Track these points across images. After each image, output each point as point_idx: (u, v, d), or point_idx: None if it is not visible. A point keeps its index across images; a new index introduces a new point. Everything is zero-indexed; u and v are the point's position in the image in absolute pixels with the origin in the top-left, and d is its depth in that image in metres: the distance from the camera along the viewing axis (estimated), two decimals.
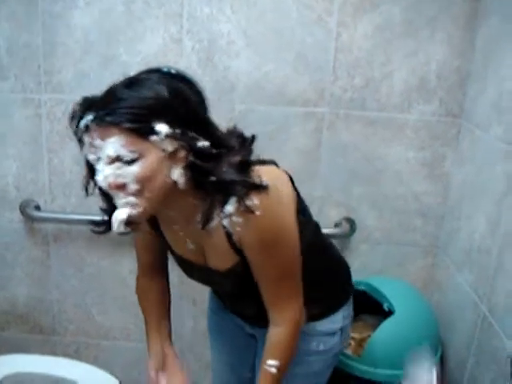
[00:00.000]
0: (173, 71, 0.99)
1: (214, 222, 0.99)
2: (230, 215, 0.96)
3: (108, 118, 0.88)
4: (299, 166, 1.79)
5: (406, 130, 1.72)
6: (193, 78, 1.03)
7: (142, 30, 1.70)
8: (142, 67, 1.58)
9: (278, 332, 1.08)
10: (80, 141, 0.95)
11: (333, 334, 1.24)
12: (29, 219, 1.83)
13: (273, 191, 0.96)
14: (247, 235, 0.99)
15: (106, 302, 1.98)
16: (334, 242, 1.48)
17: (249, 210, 0.94)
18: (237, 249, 1.03)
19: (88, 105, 0.92)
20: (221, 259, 1.08)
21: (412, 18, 1.62)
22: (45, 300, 1.98)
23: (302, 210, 1.11)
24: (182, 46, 1.71)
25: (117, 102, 0.89)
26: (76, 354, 2.00)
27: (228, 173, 0.94)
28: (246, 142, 1.04)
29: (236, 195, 0.94)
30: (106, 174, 0.91)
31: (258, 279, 1.07)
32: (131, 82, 0.93)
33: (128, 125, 0.88)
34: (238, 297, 1.23)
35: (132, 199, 0.93)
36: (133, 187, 0.91)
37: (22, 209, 1.80)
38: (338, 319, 1.25)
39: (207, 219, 1.00)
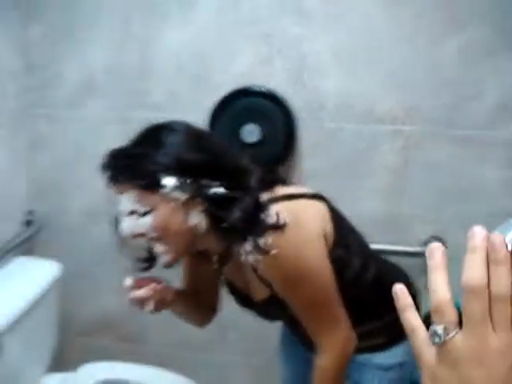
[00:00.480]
0: (180, 125, 1.08)
1: (241, 258, 1.05)
2: (249, 253, 1.02)
3: (119, 177, 1.04)
4: (387, 183, 1.91)
5: (496, 148, 1.82)
6: (206, 130, 1.20)
7: (232, 50, 1.89)
8: (233, 87, 1.85)
9: (321, 359, 1.11)
10: None
11: (389, 368, 1.23)
12: None
13: (291, 229, 1.01)
14: (267, 273, 1.07)
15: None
16: (421, 261, 1.66)
17: (263, 250, 1.00)
18: (265, 282, 1.11)
19: (106, 162, 1.07)
20: (257, 291, 1.17)
21: (500, 36, 1.72)
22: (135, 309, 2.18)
23: (341, 243, 1.13)
24: (272, 65, 1.88)
25: (127, 161, 1.03)
26: (162, 364, 2.02)
27: (240, 219, 1.00)
28: (266, 179, 1.11)
29: (250, 236, 1.01)
30: (125, 225, 1.05)
31: (292, 310, 1.12)
32: (143, 138, 1.07)
33: (136, 182, 1.01)
34: (288, 324, 1.35)
35: (160, 248, 1.06)
36: (151, 235, 1.04)
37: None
38: (398, 354, 1.23)
39: (222, 262, 1.14)
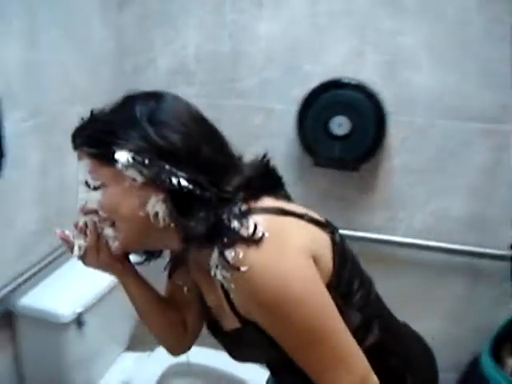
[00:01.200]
0: (168, 94, 1.03)
1: (212, 271, 0.94)
2: (217, 266, 0.91)
3: (76, 140, 0.99)
4: (476, 183, 2.06)
5: None
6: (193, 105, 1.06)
7: (325, 41, 2.08)
8: (323, 78, 2.04)
9: None
10: None
11: None
12: None
13: (267, 242, 0.89)
14: (240, 299, 0.94)
15: None
16: (507, 265, 1.88)
17: (231, 265, 0.88)
18: (237, 311, 0.99)
19: (79, 122, 1.02)
20: (228, 317, 1.04)
21: None
22: None
23: (339, 287, 0.99)
24: (364, 58, 2.06)
25: (89, 125, 0.99)
26: None
27: (201, 223, 0.92)
28: (252, 189, 1.00)
29: (216, 245, 0.91)
30: (79, 196, 1.01)
31: (281, 345, 0.95)
32: (119, 104, 1.00)
33: (88, 149, 0.97)
34: (273, 368, 1.20)
35: (110, 231, 1.01)
36: (101, 214, 0.99)
37: None
38: None
39: (174, 265, 1.09)
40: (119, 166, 0.93)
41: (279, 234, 0.92)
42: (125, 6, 2.29)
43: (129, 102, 1.00)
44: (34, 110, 1.78)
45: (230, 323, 1.04)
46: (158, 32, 2.28)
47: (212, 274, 0.93)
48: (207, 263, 0.94)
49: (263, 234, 0.89)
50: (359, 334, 0.99)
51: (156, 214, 0.95)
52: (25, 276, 1.80)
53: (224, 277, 0.91)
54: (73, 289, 1.88)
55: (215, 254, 0.91)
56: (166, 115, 0.97)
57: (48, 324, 1.71)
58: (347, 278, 1.02)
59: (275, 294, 0.89)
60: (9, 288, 1.74)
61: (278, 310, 0.90)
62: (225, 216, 0.92)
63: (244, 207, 0.96)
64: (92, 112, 1.02)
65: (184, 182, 0.92)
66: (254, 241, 0.89)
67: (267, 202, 1.00)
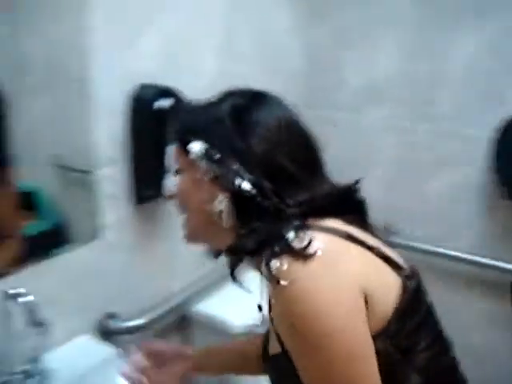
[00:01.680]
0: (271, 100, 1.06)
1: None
2: (267, 281, 0.89)
3: (169, 127, 1.08)
4: None
5: None
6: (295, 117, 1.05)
7: None
8: None
9: None
10: None
11: None
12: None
13: (320, 262, 0.85)
14: (275, 309, 0.91)
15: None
16: None
17: (273, 276, 0.86)
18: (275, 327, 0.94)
19: None
20: (272, 339, 1.04)
21: None
22: None
23: (401, 343, 0.92)
24: None
25: (183, 113, 1.09)
26: None
27: (255, 230, 0.93)
28: (317, 208, 0.96)
29: (265, 252, 0.89)
30: (165, 181, 1.11)
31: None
32: (217, 97, 1.05)
33: (173, 135, 1.04)
34: None
35: (182, 218, 1.06)
36: (176, 200, 1.05)
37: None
38: None
39: (232, 270, 1.01)
40: (192, 155, 0.98)
41: (334, 256, 0.88)
42: (317, 22, 2.36)
43: (225, 96, 1.03)
44: None
45: (274, 346, 1.00)
46: (351, 49, 2.33)
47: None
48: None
49: (316, 252, 0.85)
50: None
51: (220, 213, 0.97)
52: (202, 284, 1.96)
53: (270, 289, 0.88)
54: (247, 301, 2.05)
55: (263, 262, 0.89)
56: (255, 117, 0.98)
57: (220, 332, 1.87)
58: (411, 332, 0.93)
59: (305, 319, 0.85)
60: (186, 293, 1.90)
61: (303, 339, 0.86)
62: (280, 226, 0.90)
63: (311, 222, 0.92)
64: (191, 103, 1.09)
65: (247, 186, 0.93)
66: (303, 255, 0.85)
67: (332, 223, 0.94)
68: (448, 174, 2.21)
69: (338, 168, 2.41)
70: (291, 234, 0.89)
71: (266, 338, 1.18)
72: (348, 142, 2.42)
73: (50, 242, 1.59)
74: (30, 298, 1.23)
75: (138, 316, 1.71)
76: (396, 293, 0.93)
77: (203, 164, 0.98)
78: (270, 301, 0.97)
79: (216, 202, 0.98)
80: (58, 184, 1.66)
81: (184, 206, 1.06)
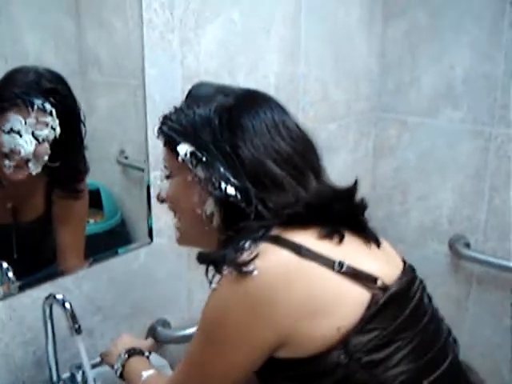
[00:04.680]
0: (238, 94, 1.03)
1: None
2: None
3: (160, 130, 1.04)
4: None
5: None
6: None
7: None
8: None
9: None
10: None
11: None
12: (456, 255, 2.24)
13: (250, 284, 0.87)
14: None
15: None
16: None
17: (209, 283, 0.93)
18: None
19: None
20: None
21: None
22: None
23: (364, 357, 0.89)
24: None
25: (172, 115, 1.04)
26: None
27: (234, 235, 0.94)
28: (300, 214, 0.95)
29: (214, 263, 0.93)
30: (157, 184, 1.09)
31: None
32: (195, 97, 1.06)
33: (160, 136, 1.03)
34: None
35: (175, 221, 1.08)
36: (168, 204, 1.06)
37: (451, 243, 2.23)
38: None
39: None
40: (179, 158, 0.98)
41: (268, 283, 0.88)
42: (391, 21, 2.29)
43: (214, 95, 1.03)
44: None
45: None
46: (425, 49, 2.25)
47: None
48: None
49: (252, 271, 0.87)
50: None
51: (211, 215, 0.98)
52: None
53: None
54: None
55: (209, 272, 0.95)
56: (243, 119, 0.98)
57: None
58: (378, 346, 0.90)
59: (204, 324, 0.96)
60: None
61: (202, 334, 0.98)
62: (244, 233, 0.91)
63: (274, 232, 0.92)
64: (181, 103, 1.07)
65: (231, 190, 0.93)
66: (240, 271, 0.87)
67: (303, 235, 0.93)
68: None
69: (410, 175, 2.33)
70: (246, 245, 0.90)
71: None
72: (420, 147, 2.34)
73: (111, 242, 1.58)
74: (67, 304, 1.21)
75: (190, 325, 1.63)
76: (358, 307, 0.91)
77: (189, 166, 0.98)
78: None
79: (206, 205, 0.98)
80: (121, 182, 1.66)
81: (176, 209, 1.07)
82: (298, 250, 0.90)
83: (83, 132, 1.39)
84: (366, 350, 0.88)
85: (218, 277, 0.93)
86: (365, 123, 2.35)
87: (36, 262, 1.41)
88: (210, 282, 0.93)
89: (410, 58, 2.30)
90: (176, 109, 1.05)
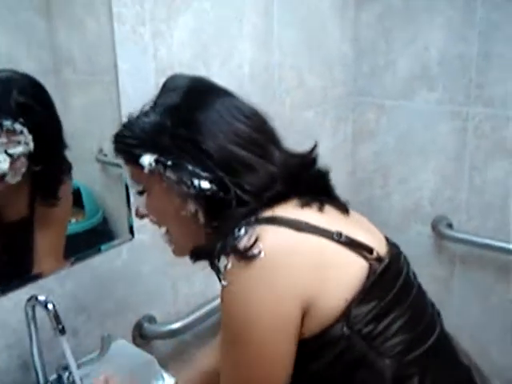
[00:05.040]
0: (183, 82, 1.04)
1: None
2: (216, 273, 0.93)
3: (117, 149, 1.02)
4: None
5: None
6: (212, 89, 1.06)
7: None
8: None
9: None
10: None
11: None
12: (439, 236, 2.24)
13: (260, 265, 0.85)
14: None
15: (507, 339, 2.24)
16: None
17: (219, 274, 0.91)
18: None
19: None
20: None
21: None
22: None
23: (364, 328, 0.89)
24: None
25: (122, 130, 1.02)
26: None
27: (217, 226, 0.95)
28: (279, 191, 0.96)
29: (213, 255, 0.92)
30: (132, 202, 1.05)
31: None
32: (145, 109, 1.03)
33: (120, 155, 1.01)
34: None
35: (165, 236, 1.06)
36: (152, 218, 1.04)
37: (434, 224, 2.24)
38: None
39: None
40: (146, 170, 0.97)
41: (277, 259, 0.87)
42: (364, 4, 2.29)
43: (158, 99, 1.03)
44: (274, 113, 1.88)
45: None
46: (399, 32, 2.24)
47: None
48: None
49: (259, 253, 0.86)
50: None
51: (196, 213, 0.97)
52: None
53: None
54: None
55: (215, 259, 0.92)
56: (194, 113, 0.98)
57: None
58: (377, 316, 0.91)
59: (231, 320, 0.91)
60: None
61: (225, 336, 0.94)
62: (236, 222, 0.91)
63: (266, 213, 0.92)
64: (127, 118, 1.05)
65: (206, 185, 0.94)
66: (246, 256, 0.86)
67: (291, 210, 0.94)
68: (507, 162, 2.09)
69: (390, 158, 2.33)
70: (241, 232, 0.89)
71: None
72: (398, 130, 2.34)
73: (93, 240, 1.57)
74: (50, 305, 1.18)
75: (176, 319, 1.58)
76: (359, 278, 0.91)
77: (159, 174, 0.97)
78: None
79: (188, 205, 0.97)
80: (101, 180, 1.65)
81: (160, 221, 1.05)
82: (296, 225, 0.90)
83: (63, 135, 1.38)
84: (366, 322, 0.89)
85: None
86: (342, 108, 2.35)
87: (18, 264, 1.40)
88: (219, 278, 0.92)
89: (384, 42, 2.29)
90: (125, 125, 1.03)
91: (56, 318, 1.18)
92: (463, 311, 2.36)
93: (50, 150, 1.34)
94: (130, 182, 1.05)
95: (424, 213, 2.33)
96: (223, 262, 0.88)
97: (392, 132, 2.34)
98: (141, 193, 1.03)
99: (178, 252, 1.08)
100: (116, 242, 1.56)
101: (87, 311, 1.48)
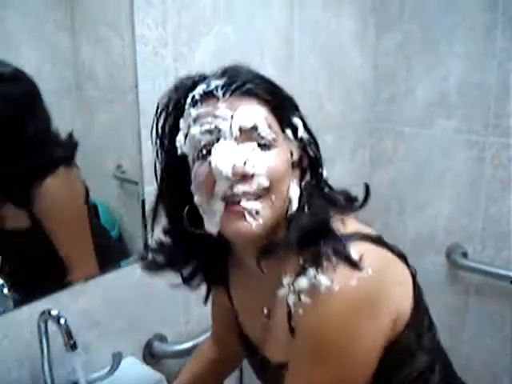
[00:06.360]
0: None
1: (282, 291, 0.86)
2: (299, 292, 0.83)
3: (248, 85, 0.84)
4: None
5: None
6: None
7: None
8: None
9: None
10: (177, 116, 0.92)
11: None
12: (453, 265, 2.22)
13: (368, 283, 0.80)
14: (306, 322, 0.84)
15: None
16: None
17: (313, 285, 0.81)
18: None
19: (210, 75, 0.90)
20: (276, 345, 0.96)
21: None
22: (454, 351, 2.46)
23: (415, 328, 0.91)
24: None
25: (254, 75, 0.89)
26: None
27: (315, 212, 0.86)
28: (353, 201, 0.94)
29: (318, 261, 0.81)
30: (231, 155, 0.81)
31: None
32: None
33: (271, 99, 0.86)
34: None
35: (256, 204, 0.83)
36: (262, 182, 0.83)
37: (449, 253, 2.22)
38: None
39: (259, 258, 0.89)
40: (289, 134, 0.89)
41: (380, 278, 0.84)
42: (384, 32, 2.31)
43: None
44: None
45: (281, 353, 0.94)
46: (418, 60, 2.25)
47: (280, 293, 0.86)
48: (274, 277, 0.89)
49: (367, 270, 0.81)
50: (422, 378, 0.93)
51: (290, 199, 0.89)
52: None
53: (299, 302, 0.83)
54: None
55: (307, 274, 0.83)
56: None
57: None
58: (421, 318, 0.94)
59: (339, 340, 0.83)
60: None
61: (329, 354, 0.85)
62: (332, 224, 0.85)
63: (349, 228, 0.88)
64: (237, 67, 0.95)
65: (324, 172, 0.93)
66: (354, 271, 0.81)
67: (357, 224, 0.90)
68: None
69: (406, 185, 2.32)
70: (346, 245, 0.83)
71: (245, 343, 1.11)
72: (415, 157, 2.34)
73: (109, 257, 1.57)
74: (62, 320, 1.19)
75: (186, 339, 1.59)
76: (411, 286, 0.92)
77: (295, 144, 0.91)
78: (289, 318, 0.89)
79: (292, 188, 0.89)
80: (119, 197, 1.66)
81: (271, 188, 0.86)
82: (382, 242, 0.89)
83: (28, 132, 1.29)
84: (419, 322, 0.92)
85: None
86: (360, 134, 2.36)
87: (32, 276, 1.39)
88: (314, 284, 0.83)
89: (403, 69, 2.31)
90: (260, 75, 0.94)
91: (68, 333, 1.19)
92: (476, 341, 2.32)
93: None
94: (256, 122, 0.85)
95: (439, 241, 2.32)
96: (323, 279, 0.81)
97: (409, 159, 2.34)
98: (267, 146, 0.85)
99: (257, 230, 0.85)
100: (130, 259, 1.57)
101: (99, 327, 1.48)
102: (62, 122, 1.38)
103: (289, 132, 0.88)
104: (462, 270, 2.25)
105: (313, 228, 0.84)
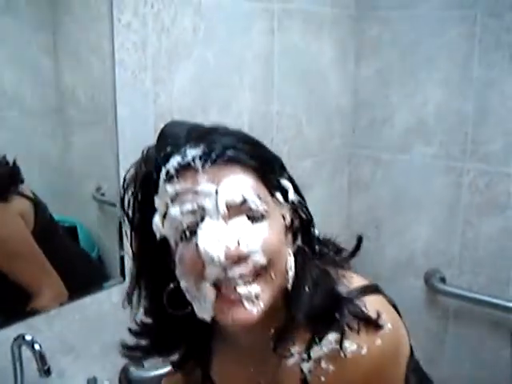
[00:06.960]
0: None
1: (292, 360, 0.80)
2: (318, 360, 0.78)
3: (229, 153, 0.74)
4: None
5: None
6: None
7: None
8: None
9: None
10: (150, 193, 0.79)
11: None
12: (432, 290, 2.23)
13: (393, 338, 0.79)
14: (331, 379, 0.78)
15: None
16: None
17: (342, 356, 0.76)
18: None
19: (184, 140, 0.77)
20: None
21: None
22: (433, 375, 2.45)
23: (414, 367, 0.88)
24: None
25: (233, 138, 0.79)
26: None
27: (316, 285, 0.79)
28: (343, 253, 0.89)
29: (338, 327, 0.77)
30: (221, 236, 0.72)
31: None
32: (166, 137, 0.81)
33: (256, 164, 0.77)
34: None
35: (254, 288, 0.75)
36: (259, 260, 0.74)
37: (427, 278, 2.23)
38: None
39: (277, 342, 0.82)
40: (279, 198, 0.80)
41: (399, 330, 0.83)
42: (363, 59, 2.33)
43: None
44: None
45: None
46: (397, 87, 2.28)
47: (289, 363, 0.81)
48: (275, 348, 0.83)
49: (386, 327, 0.79)
50: None
51: (287, 270, 0.80)
52: None
53: (317, 369, 0.79)
54: None
55: (326, 340, 0.78)
56: None
57: None
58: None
59: None
60: None
61: None
62: (341, 288, 0.81)
63: (358, 282, 0.86)
64: (214, 128, 0.84)
65: (316, 232, 0.86)
66: (377, 325, 0.79)
67: (355, 275, 0.88)
68: (500, 218, 2.11)
69: (385, 210, 2.33)
70: (361, 305, 0.80)
71: None
72: (393, 183, 2.36)
73: (87, 279, 1.56)
74: (36, 345, 1.17)
75: (163, 365, 1.57)
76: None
77: (285, 208, 0.83)
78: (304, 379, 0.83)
79: (288, 259, 0.81)
80: (98, 219, 1.65)
81: (269, 266, 0.77)
82: (377, 288, 0.87)
83: None
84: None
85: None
86: (339, 160, 2.37)
87: (5, 301, 1.36)
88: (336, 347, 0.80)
89: (382, 96, 2.33)
90: (244, 135, 0.85)
91: (42, 358, 1.17)
92: (455, 365, 2.34)
93: None
94: (244, 194, 0.76)
95: (417, 266, 2.33)
96: (351, 345, 0.78)
97: (387, 185, 2.36)
98: (259, 219, 0.76)
99: (257, 315, 0.76)
100: (107, 284, 1.55)
101: (74, 352, 1.46)
102: (42, 144, 1.40)
103: (279, 196, 0.81)
104: (441, 294, 2.25)
105: (321, 304, 0.80)
